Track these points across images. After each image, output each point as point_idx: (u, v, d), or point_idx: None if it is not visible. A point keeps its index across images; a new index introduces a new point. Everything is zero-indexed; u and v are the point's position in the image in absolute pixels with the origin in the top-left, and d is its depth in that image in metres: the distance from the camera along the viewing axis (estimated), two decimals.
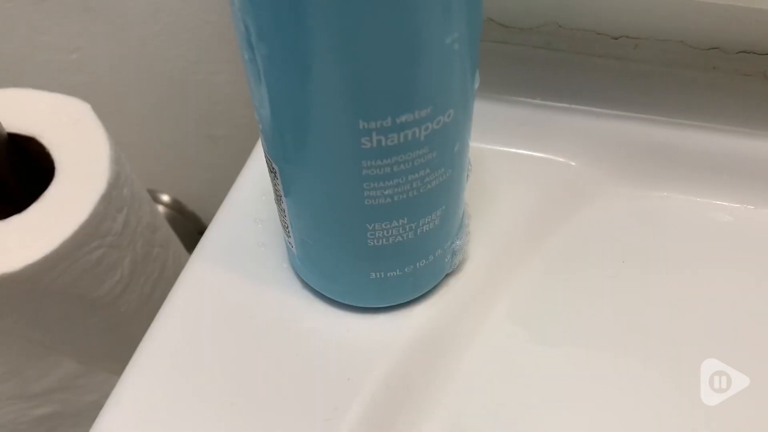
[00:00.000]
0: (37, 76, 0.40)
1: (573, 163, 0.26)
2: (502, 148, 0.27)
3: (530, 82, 0.28)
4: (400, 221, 0.19)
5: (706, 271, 0.24)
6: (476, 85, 0.18)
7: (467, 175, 0.21)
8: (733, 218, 0.25)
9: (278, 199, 0.21)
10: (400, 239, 0.20)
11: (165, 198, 0.46)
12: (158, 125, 0.41)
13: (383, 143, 0.17)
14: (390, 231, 0.19)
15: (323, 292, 0.23)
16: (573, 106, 0.27)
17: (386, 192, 0.18)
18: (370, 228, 0.19)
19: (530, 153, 0.26)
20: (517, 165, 0.26)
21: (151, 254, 0.35)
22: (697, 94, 0.27)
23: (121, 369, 0.22)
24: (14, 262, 0.28)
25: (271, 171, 0.20)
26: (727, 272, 0.24)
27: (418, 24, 0.15)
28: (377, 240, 0.20)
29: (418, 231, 0.20)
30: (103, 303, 0.33)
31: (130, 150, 0.38)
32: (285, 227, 0.22)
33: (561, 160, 0.26)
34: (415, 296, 0.23)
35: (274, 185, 0.20)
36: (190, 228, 0.47)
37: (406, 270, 0.21)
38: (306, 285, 0.23)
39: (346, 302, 0.22)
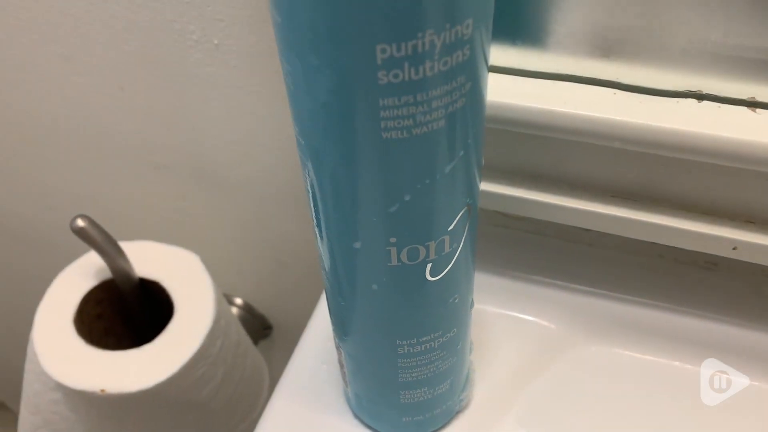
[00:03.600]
0: (148, 212, 0.51)
1: (552, 326, 0.36)
2: (499, 311, 0.36)
3: (523, 260, 0.37)
4: (423, 389, 0.29)
5: (646, 417, 0.33)
6: (473, 307, 0.28)
7: (470, 351, 0.31)
8: (672, 375, 0.34)
9: (341, 366, 0.31)
10: (423, 399, 0.30)
11: (238, 301, 0.57)
12: (239, 251, 0.52)
13: (411, 350, 0.27)
14: (416, 395, 0.29)
15: (369, 424, 0.32)
16: (554, 281, 0.37)
17: (413, 375, 0.28)
18: (402, 393, 0.29)
19: (520, 315, 0.36)
20: (509, 324, 0.36)
21: (236, 363, 0.45)
22: (645, 275, 0.36)
23: None
24: (148, 381, 0.38)
25: (337, 348, 0.30)
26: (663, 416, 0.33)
27: (430, 297, 0.25)
28: (407, 400, 0.29)
29: (435, 393, 0.30)
30: (200, 403, 0.43)
31: (216, 266, 0.49)
32: (345, 381, 0.32)
33: (544, 323, 0.36)
34: (435, 428, 0.32)
35: (339, 356, 0.31)
36: (257, 325, 0.58)
37: (427, 415, 0.31)
38: (356, 416, 0.33)
39: None
